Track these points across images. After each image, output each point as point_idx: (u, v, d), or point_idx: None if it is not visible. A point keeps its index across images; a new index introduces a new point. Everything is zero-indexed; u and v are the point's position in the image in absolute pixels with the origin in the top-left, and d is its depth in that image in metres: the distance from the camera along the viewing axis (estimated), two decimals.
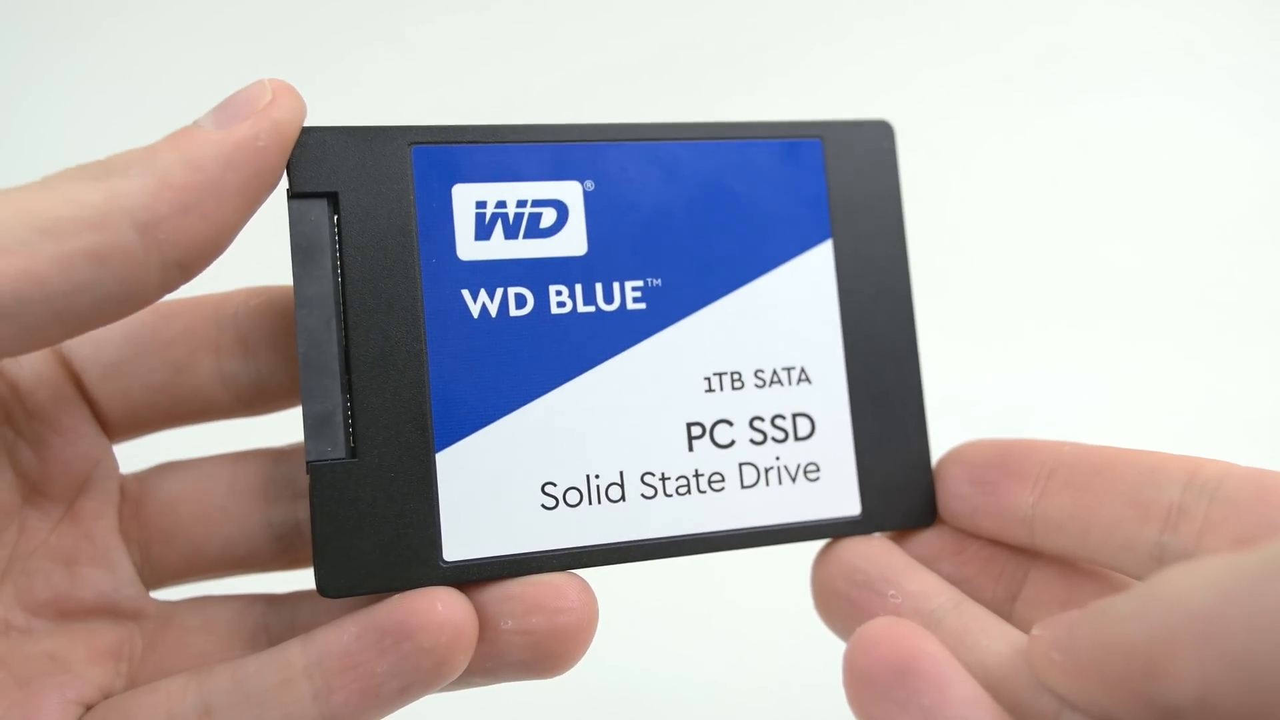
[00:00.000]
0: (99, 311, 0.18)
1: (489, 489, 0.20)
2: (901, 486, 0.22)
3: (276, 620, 0.21)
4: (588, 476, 0.21)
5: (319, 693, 0.18)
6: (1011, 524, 0.21)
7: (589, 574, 0.21)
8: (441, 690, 0.19)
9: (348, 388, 0.20)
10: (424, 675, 0.18)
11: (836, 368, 0.23)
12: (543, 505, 0.21)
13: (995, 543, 0.22)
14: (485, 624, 0.19)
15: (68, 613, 0.21)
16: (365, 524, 0.20)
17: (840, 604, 0.22)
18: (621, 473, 0.21)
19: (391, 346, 0.20)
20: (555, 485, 0.21)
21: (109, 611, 0.21)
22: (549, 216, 0.22)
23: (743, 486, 0.22)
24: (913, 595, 0.21)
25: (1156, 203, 0.56)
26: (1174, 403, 0.50)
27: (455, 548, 0.20)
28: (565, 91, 0.55)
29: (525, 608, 0.19)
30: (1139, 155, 0.57)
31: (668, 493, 0.21)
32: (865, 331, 0.23)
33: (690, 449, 0.22)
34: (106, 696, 0.20)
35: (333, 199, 0.20)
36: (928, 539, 0.23)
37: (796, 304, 0.22)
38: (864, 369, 0.23)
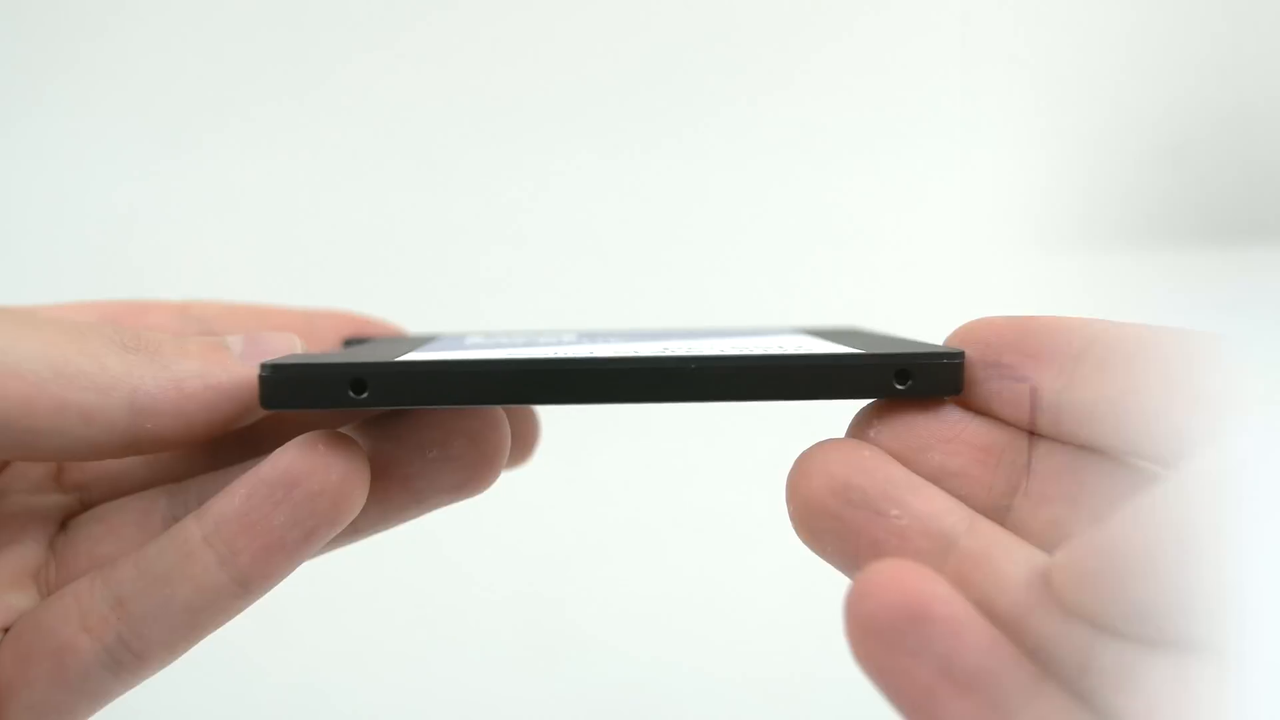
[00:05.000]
0: (52, 452, 0.19)
1: None
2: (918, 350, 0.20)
3: (183, 509, 0.21)
4: None
5: (223, 558, 0.19)
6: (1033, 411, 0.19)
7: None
8: (373, 534, 0.21)
9: None
10: (323, 517, 0.19)
11: None
12: None
13: (996, 424, 0.20)
14: (412, 451, 0.20)
15: None
16: None
17: (830, 525, 0.19)
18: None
19: None
20: None
21: (37, 521, 0.22)
22: None
23: None
24: (920, 515, 0.19)
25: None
26: None
27: None
28: (564, 92, 0.54)
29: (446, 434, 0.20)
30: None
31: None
32: None
33: None
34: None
35: None
36: (915, 426, 0.20)
37: None
38: None
